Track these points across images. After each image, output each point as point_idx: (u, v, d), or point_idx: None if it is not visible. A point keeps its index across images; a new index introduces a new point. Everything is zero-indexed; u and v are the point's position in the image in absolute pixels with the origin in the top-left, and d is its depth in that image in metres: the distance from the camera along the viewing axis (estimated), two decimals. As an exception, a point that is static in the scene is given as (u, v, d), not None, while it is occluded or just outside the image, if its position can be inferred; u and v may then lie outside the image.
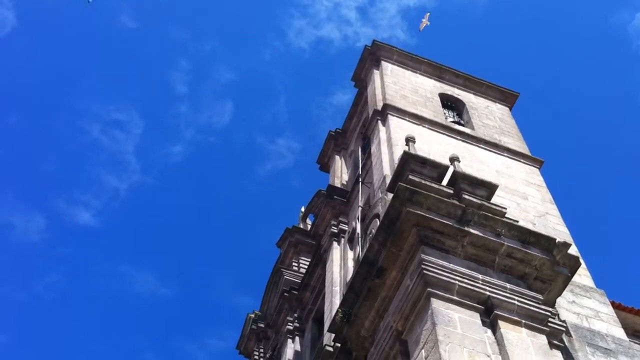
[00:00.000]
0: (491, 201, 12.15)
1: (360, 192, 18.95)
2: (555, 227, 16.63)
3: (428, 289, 10.23)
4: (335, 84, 65.01)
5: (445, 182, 12.43)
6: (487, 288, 10.56)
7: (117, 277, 57.62)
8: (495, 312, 10.27)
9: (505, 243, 11.22)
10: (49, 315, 56.09)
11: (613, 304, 14.42)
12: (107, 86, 60.55)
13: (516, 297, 10.59)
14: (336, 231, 19.52)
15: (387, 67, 23.38)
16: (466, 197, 11.77)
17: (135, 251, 59.63)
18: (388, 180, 14.31)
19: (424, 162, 12.56)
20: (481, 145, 19.88)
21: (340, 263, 18.37)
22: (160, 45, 62.33)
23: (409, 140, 14.22)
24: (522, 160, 20.07)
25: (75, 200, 57.80)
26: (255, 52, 63.06)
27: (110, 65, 60.63)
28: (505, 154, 20.02)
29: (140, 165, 59.13)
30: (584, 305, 13.58)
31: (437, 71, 24.25)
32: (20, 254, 56.35)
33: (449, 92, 23.39)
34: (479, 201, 11.81)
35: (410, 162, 12.46)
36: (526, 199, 17.61)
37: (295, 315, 21.14)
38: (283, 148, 62.74)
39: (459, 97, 23.31)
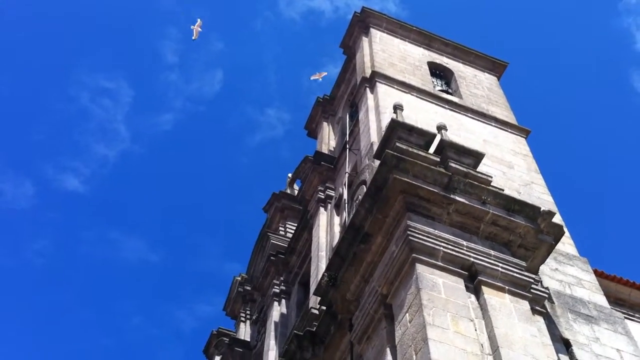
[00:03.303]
0: (477, 170, 12.22)
1: (347, 159, 19.01)
2: (540, 196, 16.77)
3: (413, 255, 10.32)
4: (325, 56, 64.85)
5: (432, 150, 12.49)
6: (472, 254, 10.67)
7: (105, 242, 57.75)
8: (479, 277, 10.38)
9: (490, 211, 11.30)
10: (37, 281, 56.23)
11: (595, 272, 14.59)
12: (96, 54, 60.08)
13: (500, 264, 10.70)
14: (323, 197, 19.62)
15: (376, 34, 23.29)
16: (452, 165, 11.85)
17: (123, 217, 59.67)
18: (375, 147, 14.35)
19: (411, 129, 12.60)
20: (469, 114, 19.93)
21: (327, 228, 18.50)
22: (150, 13, 61.82)
23: (397, 107, 14.26)
24: (509, 130, 20.14)
25: (64, 167, 57.77)
26: (246, 22, 62.61)
27: (99, 33, 60.11)
28: (493, 123, 20.08)
29: (129, 133, 58.96)
30: (566, 272, 13.75)
31: (426, 39, 24.20)
32: (9, 219, 56.35)
33: (438, 61, 23.37)
34: (465, 169, 11.88)
35: (397, 129, 12.50)
36: (512, 168, 17.72)
37: (282, 278, 21.30)
38: (273, 118, 62.65)
39: (447, 65, 23.30)
